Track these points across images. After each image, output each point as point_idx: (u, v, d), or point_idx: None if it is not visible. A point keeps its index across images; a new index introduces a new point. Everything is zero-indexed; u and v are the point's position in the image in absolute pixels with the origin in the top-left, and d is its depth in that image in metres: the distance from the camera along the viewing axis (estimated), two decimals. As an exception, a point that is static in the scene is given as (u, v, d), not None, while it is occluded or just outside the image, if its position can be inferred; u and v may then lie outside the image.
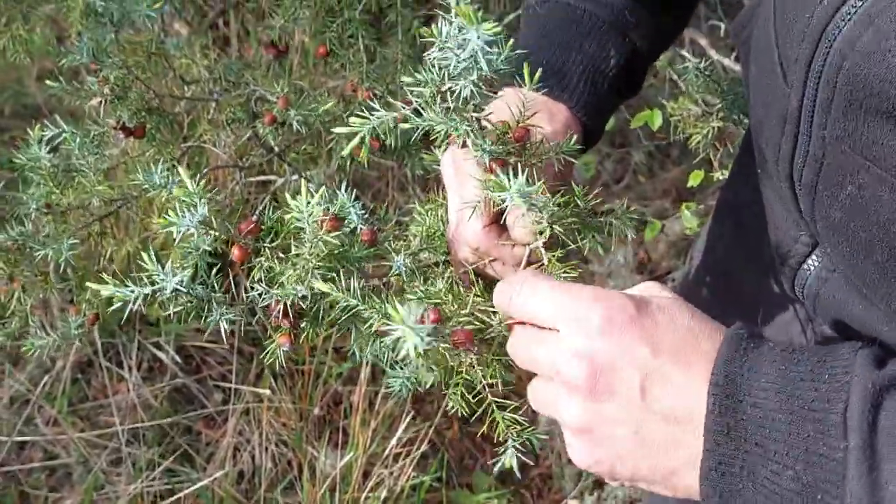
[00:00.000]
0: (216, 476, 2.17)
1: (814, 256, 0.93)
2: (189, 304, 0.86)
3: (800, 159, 0.83)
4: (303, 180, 0.82)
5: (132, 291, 0.78)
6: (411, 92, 0.76)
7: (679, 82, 1.88)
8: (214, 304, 0.85)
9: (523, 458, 0.84)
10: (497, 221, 0.91)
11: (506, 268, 0.90)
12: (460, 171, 0.92)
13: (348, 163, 1.45)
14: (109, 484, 2.21)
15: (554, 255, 0.83)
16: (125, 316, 2.36)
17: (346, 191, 0.91)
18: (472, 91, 0.73)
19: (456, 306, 0.83)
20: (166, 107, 1.36)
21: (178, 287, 0.78)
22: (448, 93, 0.75)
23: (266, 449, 2.26)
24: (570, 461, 2.33)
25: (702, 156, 1.45)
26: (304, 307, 0.85)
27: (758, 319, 1.12)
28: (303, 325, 0.89)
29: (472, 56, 0.70)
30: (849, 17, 0.70)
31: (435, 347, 0.76)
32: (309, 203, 0.79)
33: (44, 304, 2.26)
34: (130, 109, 1.12)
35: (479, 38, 0.67)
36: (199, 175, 1.33)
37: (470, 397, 0.86)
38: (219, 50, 2.16)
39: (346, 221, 0.90)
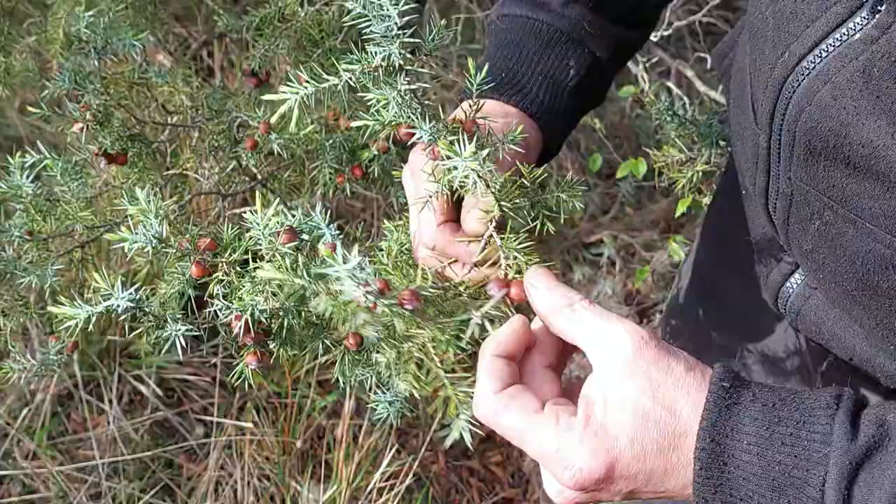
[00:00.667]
0: (197, 511, 2.18)
1: (797, 274, 0.98)
2: (148, 323, 0.88)
3: (773, 194, 0.88)
4: (258, 193, 0.85)
5: (81, 311, 0.79)
6: (345, 70, 0.80)
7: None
8: (170, 320, 0.88)
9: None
10: (452, 219, 0.93)
11: (465, 269, 0.91)
12: (416, 172, 0.94)
13: (331, 191, 1.49)
14: (88, 519, 2.22)
15: (506, 238, 0.86)
16: (105, 347, 2.38)
17: (320, 212, 0.94)
18: (399, 59, 0.78)
19: (405, 280, 0.86)
20: (149, 135, 1.40)
21: (130, 304, 0.80)
22: (381, 69, 0.79)
23: (248, 483, 2.27)
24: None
25: (689, 200, 1.50)
26: (267, 323, 0.87)
27: (747, 334, 1.17)
28: (272, 345, 0.92)
29: (385, 15, 0.75)
30: (807, 72, 0.76)
31: (383, 309, 0.78)
32: (265, 216, 0.83)
33: (24, 335, 2.28)
34: (112, 136, 1.16)
35: None
36: (181, 203, 1.36)
37: (422, 375, 0.88)
38: (202, 80, 2.20)
39: (318, 238, 0.92)
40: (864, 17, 0.72)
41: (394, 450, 2.24)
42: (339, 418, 2.33)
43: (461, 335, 0.89)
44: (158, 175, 1.26)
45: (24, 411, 2.31)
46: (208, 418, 2.36)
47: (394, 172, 1.05)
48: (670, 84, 2.08)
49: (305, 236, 0.91)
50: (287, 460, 2.30)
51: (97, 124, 1.12)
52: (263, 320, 0.86)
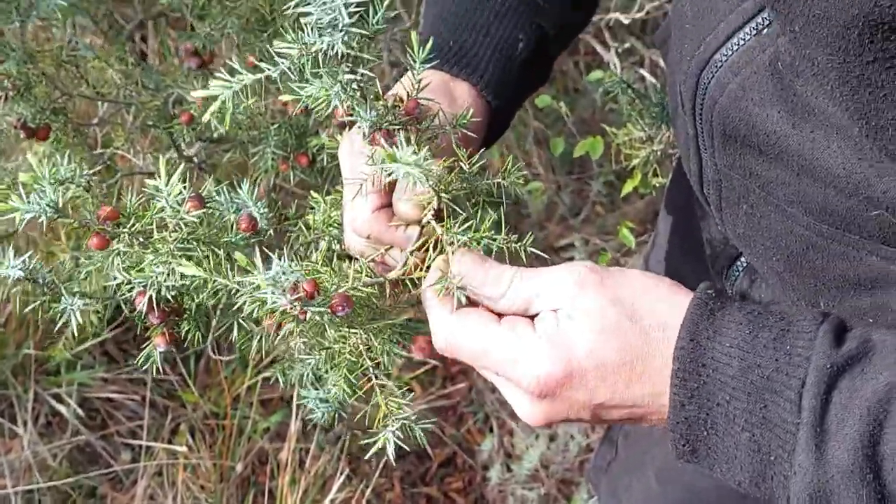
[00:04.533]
0: (123, 544, 2.19)
1: (743, 258, 1.07)
2: (41, 295, 0.89)
3: (705, 179, 0.99)
4: (161, 157, 0.87)
5: None
6: (279, 55, 0.82)
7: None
8: (65, 293, 0.89)
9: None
10: (388, 203, 0.97)
11: (402, 256, 0.95)
12: (354, 152, 0.98)
13: (272, 178, 1.53)
14: (-1, 555, 2.21)
15: (448, 225, 0.89)
16: (20, 362, 2.38)
17: (248, 189, 0.96)
18: (342, 49, 0.80)
19: (336, 280, 0.88)
20: (78, 114, 1.43)
21: (21, 274, 0.81)
22: (319, 54, 0.81)
23: (181, 514, 2.28)
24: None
25: (637, 179, 1.56)
26: (174, 300, 0.89)
27: None
28: (182, 326, 0.93)
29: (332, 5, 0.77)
30: (720, 64, 0.87)
31: (312, 317, 0.81)
32: (168, 182, 0.85)
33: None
34: (34, 108, 1.19)
35: None
36: (109, 181, 1.40)
37: (353, 380, 0.92)
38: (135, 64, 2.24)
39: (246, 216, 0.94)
40: (771, 14, 0.82)
41: (344, 475, 2.28)
42: (283, 441, 2.35)
43: (397, 340, 0.93)
44: (85, 153, 1.30)
45: (-73, 435, 2.31)
46: (136, 442, 2.38)
47: (326, 142, 1.07)
48: (644, 72, 2.15)
49: (229, 214, 0.93)
50: (225, 488, 2.32)
51: (17, 93, 1.15)
52: (170, 297, 0.88)
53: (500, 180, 0.96)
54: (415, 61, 0.89)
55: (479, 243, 0.89)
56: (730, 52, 0.87)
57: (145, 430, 2.36)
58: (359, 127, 0.89)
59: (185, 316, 0.93)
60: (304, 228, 1.06)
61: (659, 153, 1.57)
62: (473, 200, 0.95)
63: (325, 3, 0.79)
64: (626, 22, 1.90)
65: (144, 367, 2.32)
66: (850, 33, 0.70)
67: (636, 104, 1.45)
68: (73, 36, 1.49)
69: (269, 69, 0.83)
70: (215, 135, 1.58)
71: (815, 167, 0.82)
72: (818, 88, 0.78)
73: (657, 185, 1.54)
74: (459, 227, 0.89)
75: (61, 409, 2.40)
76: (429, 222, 0.92)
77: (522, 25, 1.11)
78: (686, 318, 0.79)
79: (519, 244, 0.90)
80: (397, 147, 0.84)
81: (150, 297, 0.86)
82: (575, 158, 2.71)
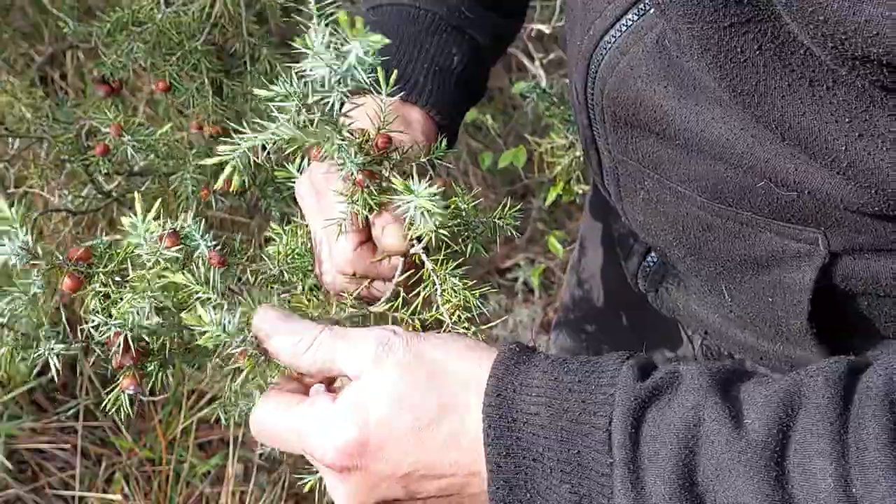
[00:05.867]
0: None
1: (653, 253, 1.12)
2: (15, 342, 0.91)
3: (605, 170, 1.04)
4: (136, 194, 0.88)
5: None
6: (273, 108, 0.83)
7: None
8: (42, 337, 0.90)
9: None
10: (368, 239, 1.00)
11: (389, 285, 0.98)
12: (322, 193, 1.01)
13: (195, 206, 1.56)
14: None
15: (437, 259, 0.92)
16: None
17: (193, 221, 0.98)
18: (341, 102, 0.82)
19: (317, 313, 0.92)
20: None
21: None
22: (314, 105, 0.83)
23: (119, 566, 2.28)
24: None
25: (560, 186, 1.61)
26: (148, 341, 0.91)
27: (637, 330, 1.29)
28: (150, 367, 0.94)
29: (348, 67, 0.79)
30: (609, 46, 0.91)
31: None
32: (145, 219, 0.87)
33: None
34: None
35: (361, 49, 0.77)
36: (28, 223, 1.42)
37: None
38: (43, 97, 2.26)
39: (194, 249, 0.96)
40: None
41: (289, 514, 2.29)
42: (223, 485, 2.36)
43: None
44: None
45: None
46: (69, 493, 2.37)
47: (277, 173, 1.10)
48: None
49: (193, 243, 0.96)
50: (164, 536, 2.32)
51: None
52: (145, 338, 0.89)
53: (496, 220, 0.99)
54: (379, 92, 0.90)
55: (467, 290, 0.91)
56: (618, 35, 0.90)
57: (78, 480, 2.36)
58: (348, 172, 0.92)
59: (152, 357, 0.93)
60: (267, 261, 1.07)
61: (581, 159, 1.62)
62: (465, 236, 0.98)
63: (333, 61, 0.79)
64: (547, 31, 1.96)
65: (76, 414, 2.31)
66: None
67: (553, 109, 1.51)
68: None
69: (274, 129, 0.83)
70: (135, 168, 1.61)
71: (702, 141, 0.85)
72: (694, 61, 0.82)
73: (580, 192, 1.59)
74: (451, 267, 0.92)
75: (-12, 463, 2.39)
76: (417, 254, 0.94)
77: (455, 38, 1.16)
78: (491, 374, 0.79)
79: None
80: (413, 182, 0.87)
81: (126, 336, 0.86)
82: (517, 177, 2.78)
